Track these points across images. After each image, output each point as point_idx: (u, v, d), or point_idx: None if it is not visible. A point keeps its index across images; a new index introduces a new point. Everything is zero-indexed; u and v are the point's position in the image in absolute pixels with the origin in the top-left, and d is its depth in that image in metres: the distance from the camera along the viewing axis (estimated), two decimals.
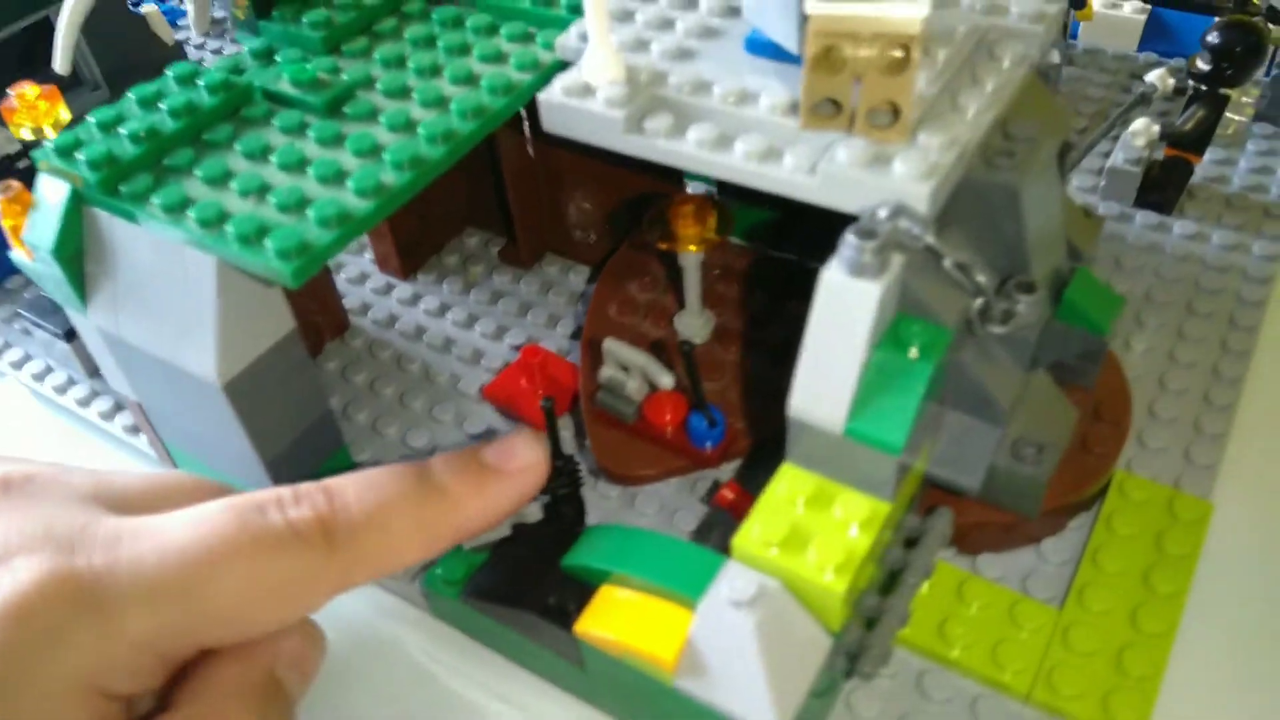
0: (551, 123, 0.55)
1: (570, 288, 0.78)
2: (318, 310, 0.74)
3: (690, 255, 0.62)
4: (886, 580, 0.52)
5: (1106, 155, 0.79)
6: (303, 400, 0.59)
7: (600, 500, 0.63)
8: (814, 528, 0.46)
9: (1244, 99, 0.74)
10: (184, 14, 1.13)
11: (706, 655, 0.45)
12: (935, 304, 0.47)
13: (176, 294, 0.53)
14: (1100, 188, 0.79)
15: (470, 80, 0.58)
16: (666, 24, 0.58)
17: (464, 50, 0.61)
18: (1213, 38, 0.70)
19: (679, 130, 0.52)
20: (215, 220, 0.50)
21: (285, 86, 0.58)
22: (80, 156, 0.53)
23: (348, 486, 0.45)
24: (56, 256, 0.55)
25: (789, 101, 0.50)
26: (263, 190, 0.51)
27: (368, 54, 0.62)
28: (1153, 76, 0.74)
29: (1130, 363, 0.67)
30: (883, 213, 0.45)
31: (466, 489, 0.48)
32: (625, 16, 0.59)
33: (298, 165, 0.53)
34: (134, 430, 0.70)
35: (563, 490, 0.55)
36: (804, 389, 0.47)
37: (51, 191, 0.55)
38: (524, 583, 0.52)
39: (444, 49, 0.61)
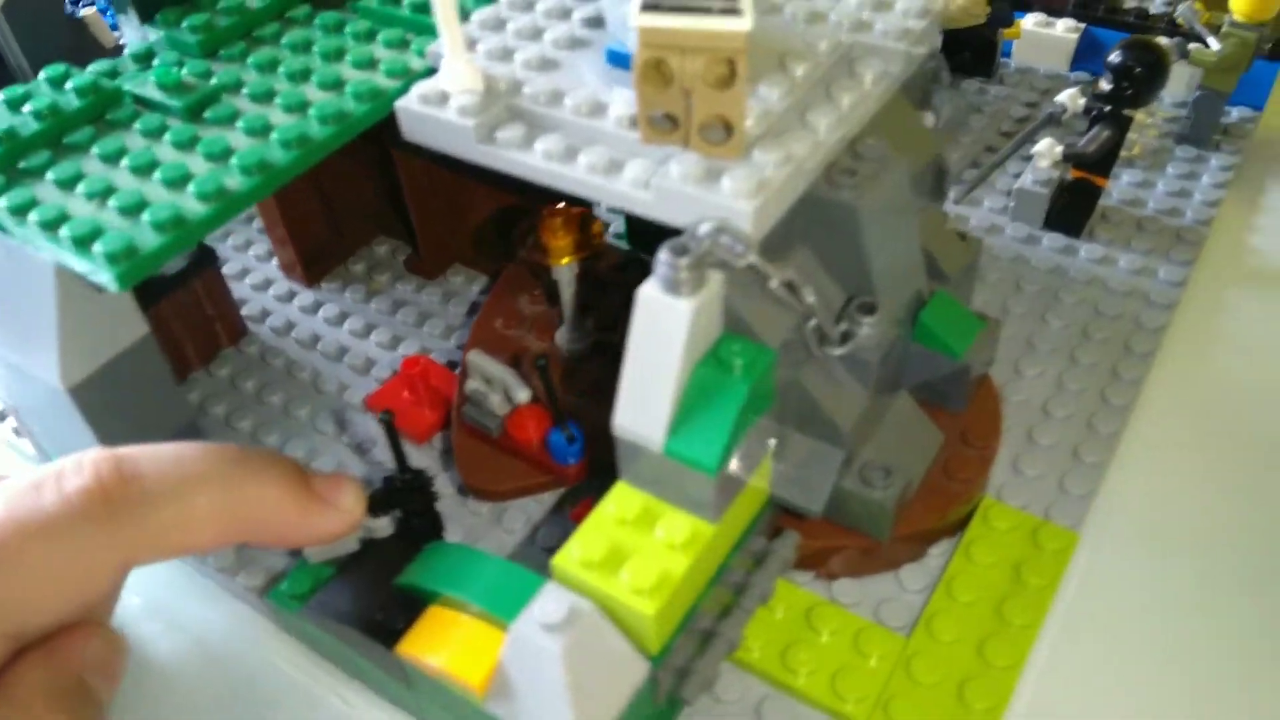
0: (409, 131, 0.55)
1: (472, 298, 0.77)
2: (215, 316, 0.74)
3: (562, 268, 0.61)
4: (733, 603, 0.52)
5: (1018, 175, 0.78)
6: (162, 408, 0.59)
7: (469, 516, 0.62)
8: (633, 549, 0.45)
9: (1149, 120, 0.73)
10: None
11: (515, 679, 0.44)
12: (761, 323, 0.46)
13: (23, 297, 0.53)
14: (1010, 209, 0.78)
15: (336, 86, 0.58)
16: (535, 34, 0.58)
17: (338, 55, 0.60)
18: (1114, 58, 0.69)
19: (529, 141, 0.51)
20: (54, 222, 0.49)
21: (150, 90, 0.58)
22: None
23: (144, 456, 0.42)
24: None
25: (635, 114, 0.49)
26: (106, 193, 0.51)
27: (243, 58, 0.61)
28: (1063, 96, 0.73)
29: (1018, 387, 0.66)
30: (703, 229, 0.44)
31: (283, 495, 0.46)
32: (497, 25, 0.59)
33: (147, 169, 0.52)
34: (20, 433, 0.70)
35: (412, 506, 0.54)
36: (626, 407, 0.46)
37: None
38: (361, 601, 0.51)
39: (319, 53, 0.61)
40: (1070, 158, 0.71)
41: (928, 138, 0.57)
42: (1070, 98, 0.73)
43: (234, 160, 0.53)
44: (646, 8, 0.44)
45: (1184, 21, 0.80)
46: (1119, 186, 0.80)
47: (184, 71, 0.59)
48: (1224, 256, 0.75)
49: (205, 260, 0.72)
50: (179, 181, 0.51)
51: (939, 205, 0.61)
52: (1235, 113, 0.87)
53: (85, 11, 1.00)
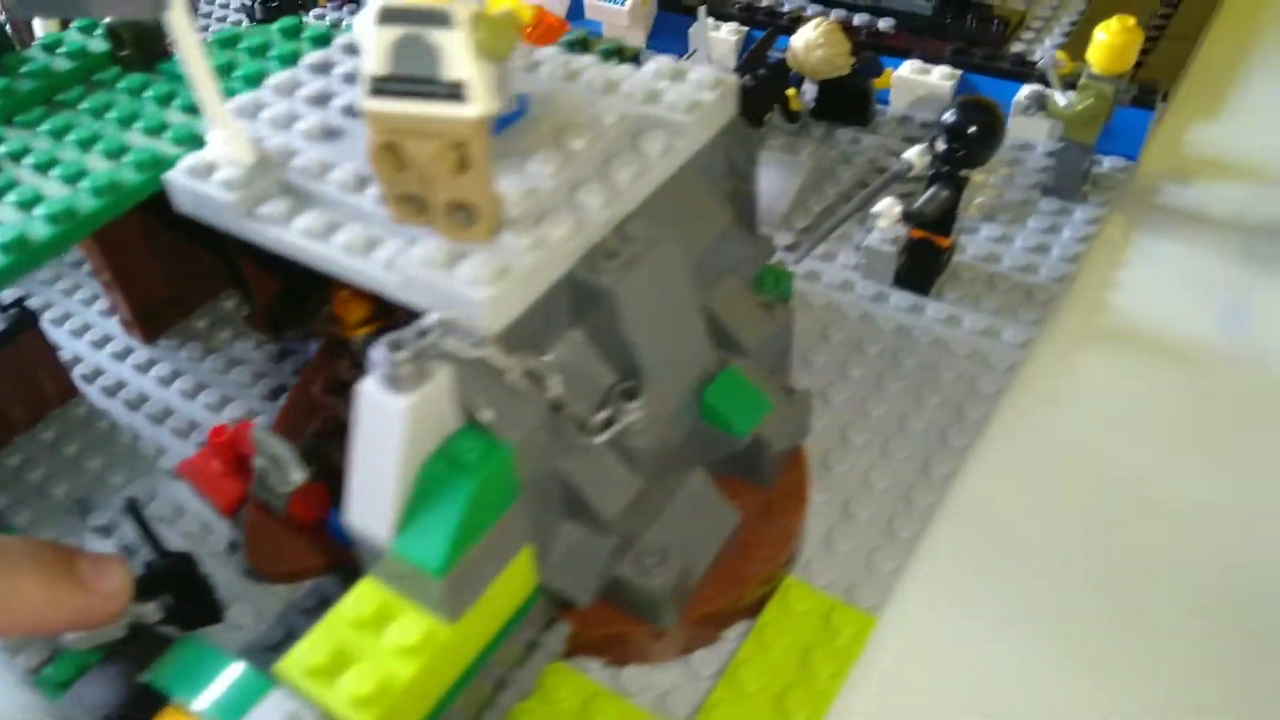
0: (179, 203, 0.53)
1: (310, 356, 0.75)
2: (42, 377, 0.72)
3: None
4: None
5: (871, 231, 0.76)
6: None
7: (268, 597, 0.60)
8: (362, 651, 0.43)
9: (990, 178, 0.71)
10: None
11: None
12: (501, 415, 0.44)
13: None
14: (860, 265, 0.76)
15: (120, 154, 0.56)
16: (324, 100, 0.56)
17: (131, 121, 0.59)
18: (947, 118, 0.67)
19: (289, 217, 0.49)
20: None
21: None
22: None
23: None
24: None
25: None
26: None
27: (38, 123, 0.60)
28: (909, 154, 0.72)
29: (844, 455, 0.64)
30: (427, 322, 0.43)
31: (38, 584, 0.45)
32: (290, 89, 0.57)
33: None
34: None
35: (179, 591, 0.52)
36: (355, 503, 0.44)
37: None
38: (110, 694, 0.49)
39: (115, 119, 0.59)
40: (909, 218, 0.70)
41: (710, 216, 0.55)
42: (916, 155, 0.72)
43: None
44: (375, 91, 0.43)
45: (1042, 70, 0.78)
46: (976, 241, 0.79)
47: None
48: (1077, 316, 0.74)
49: (26, 322, 0.70)
50: None
51: (745, 273, 0.60)
52: (1107, 163, 0.85)
53: None
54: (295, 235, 0.49)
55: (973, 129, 0.67)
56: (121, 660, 0.51)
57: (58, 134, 0.58)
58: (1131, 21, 0.74)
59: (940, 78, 0.91)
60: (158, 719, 0.45)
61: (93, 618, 0.48)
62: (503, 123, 0.52)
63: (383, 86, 0.42)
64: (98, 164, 0.55)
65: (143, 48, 0.62)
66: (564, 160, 0.50)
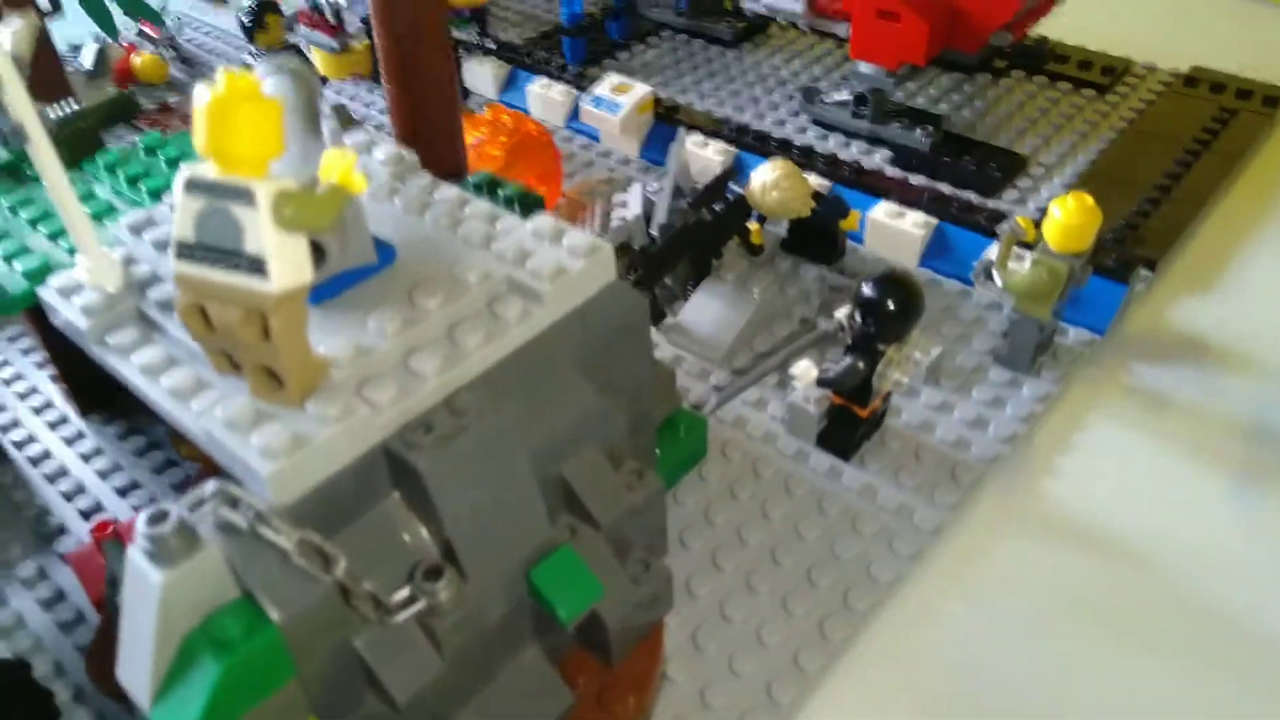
0: (53, 318, 0.54)
1: None
2: None
3: None
4: None
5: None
6: None
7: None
8: None
9: (917, 354, 0.68)
10: None
11: None
12: (277, 591, 0.43)
13: None
14: (785, 420, 0.74)
15: (15, 257, 0.58)
16: None
17: (38, 221, 0.60)
18: (864, 291, 0.65)
19: (132, 350, 0.50)
20: None
21: None
22: None
23: None
24: None
25: None
26: None
27: None
28: (841, 313, 0.70)
29: (717, 632, 0.62)
30: (208, 490, 0.42)
31: None
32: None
33: None
34: None
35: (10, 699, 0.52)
36: (123, 661, 0.44)
37: None
38: None
39: (27, 219, 0.61)
40: (823, 384, 0.67)
41: (575, 384, 0.53)
42: (847, 315, 0.69)
43: None
44: (180, 254, 0.43)
45: (1000, 237, 0.75)
46: (914, 406, 0.75)
47: None
48: (997, 504, 0.70)
49: None
50: None
51: (617, 441, 0.58)
52: (1073, 333, 0.81)
53: None
54: (131, 370, 0.49)
55: (888, 306, 0.64)
56: None
57: None
58: (1090, 202, 0.70)
59: (913, 225, 0.88)
60: None
61: None
62: (362, 273, 0.52)
63: (189, 253, 0.42)
64: None
65: (72, 146, 0.63)
66: (409, 320, 0.49)
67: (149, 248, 0.55)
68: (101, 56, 1.11)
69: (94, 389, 0.79)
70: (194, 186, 0.41)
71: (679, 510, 0.69)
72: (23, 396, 0.81)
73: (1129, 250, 0.86)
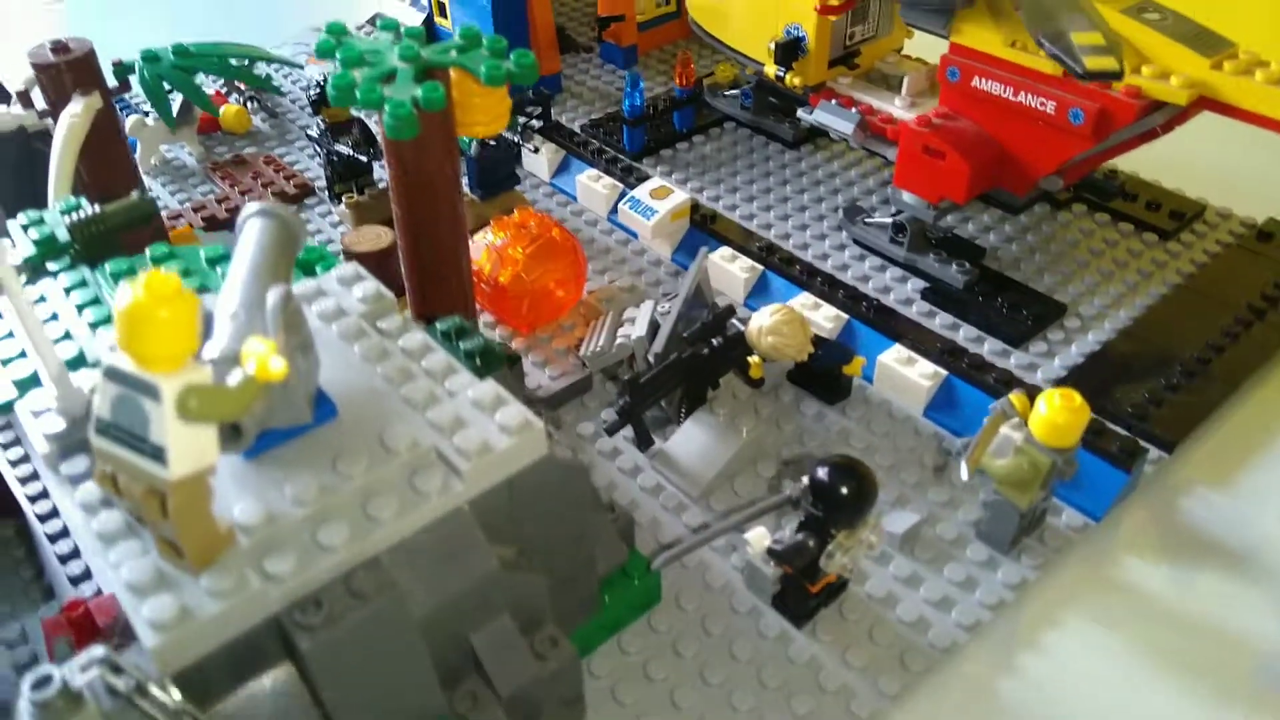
0: (21, 435, 0.59)
1: None
2: None
3: None
4: None
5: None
6: None
7: None
8: None
9: (871, 538, 0.67)
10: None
11: None
12: None
13: None
14: (743, 573, 0.73)
15: (8, 363, 0.62)
16: None
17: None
18: (818, 473, 0.64)
19: (79, 481, 0.53)
20: None
21: None
22: None
23: None
24: None
25: None
26: None
27: None
28: (799, 486, 0.69)
29: None
30: (94, 654, 0.45)
31: None
32: None
33: None
34: None
35: None
36: None
37: None
38: None
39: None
40: (772, 555, 0.67)
41: (489, 559, 0.55)
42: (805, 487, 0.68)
43: None
44: (97, 429, 0.45)
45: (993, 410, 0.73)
46: (882, 575, 0.74)
47: None
48: (945, 696, 0.68)
49: None
50: None
51: (534, 611, 0.59)
52: (1065, 515, 0.78)
53: None
54: (70, 504, 0.52)
55: (840, 492, 0.63)
56: None
57: None
58: (1078, 401, 0.68)
59: (921, 375, 0.86)
60: None
61: None
62: (296, 430, 0.54)
63: (104, 429, 0.45)
64: None
65: (90, 247, 0.68)
66: (326, 488, 0.51)
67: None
68: (186, 107, 1.18)
69: None
70: (111, 374, 0.44)
71: (622, 660, 0.69)
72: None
73: (1148, 428, 0.82)
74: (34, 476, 0.85)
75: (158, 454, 0.44)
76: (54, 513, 0.81)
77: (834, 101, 1.03)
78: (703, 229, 1.05)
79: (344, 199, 1.10)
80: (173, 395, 0.43)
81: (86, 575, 0.75)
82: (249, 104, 1.28)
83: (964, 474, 0.71)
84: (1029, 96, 0.87)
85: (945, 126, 0.93)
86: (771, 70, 1.06)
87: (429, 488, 0.52)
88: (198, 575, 0.47)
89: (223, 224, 1.09)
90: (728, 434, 0.82)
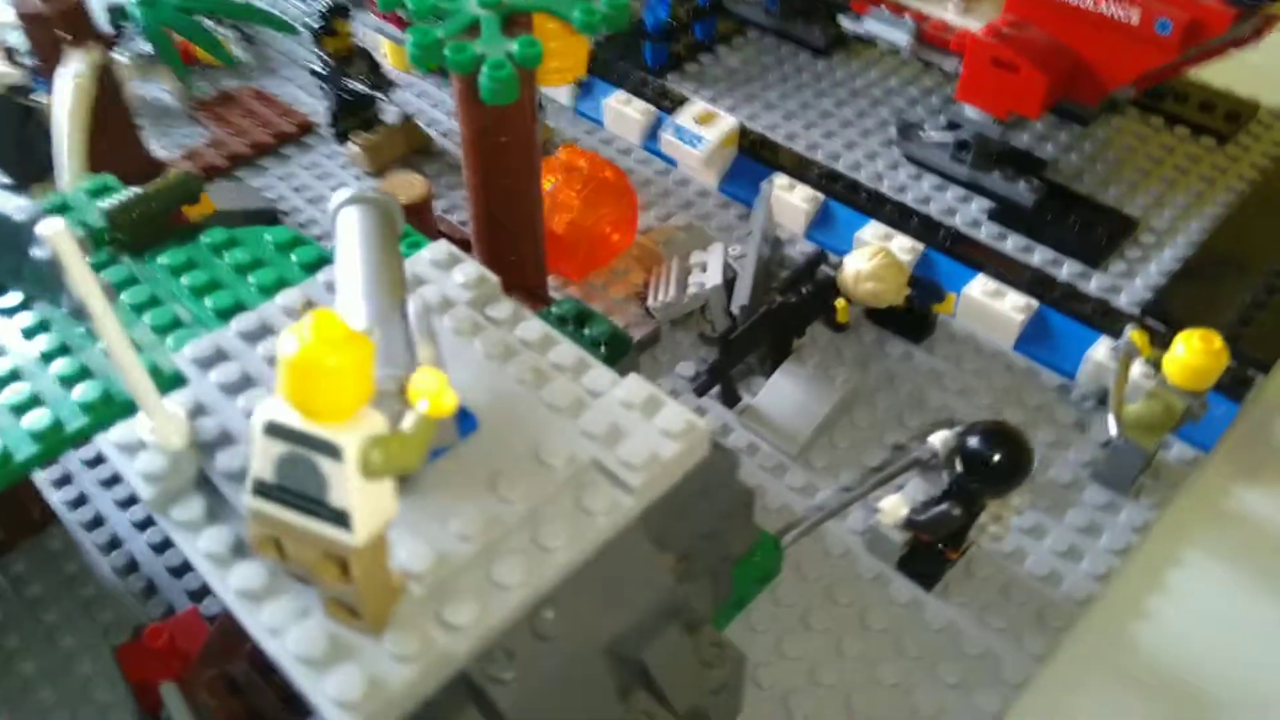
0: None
1: None
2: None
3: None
4: None
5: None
6: None
7: None
8: None
9: (1013, 503, 0.64)
10: None
11: None
12: None
13: None
14: (865, 536, 0.70)
15: (74, 381, 0.54)
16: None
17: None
18: (970, 442, 0.60)
19: (198, 529, 0.47)
20: None
21: None
22: None
23: None
24: None
25: None
26: None
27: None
28: (936, 439, 0.65)
29: None
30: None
31: None
32: (254, 338, 0.54)
33: None
34: None
35: None
36: None
37: None
38: None
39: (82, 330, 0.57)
40: (913, 526, 0.64)
41: (659, 572, 0.50)
42: (943, 442, 0.65)
43: None
44: (257, 491, 0.39)
45: (1115, 354, 0.70)
46: (1009, 537, 0.71)
47: None
48: (1086, 651, 0.66)
49: None
50: None
51: (701, 612, 0.55)
52: (1176, 448, 0.76)
53: None
54: (197, 555, 0.46)
55: (994, 462, 0.60)
56: None
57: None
58: (1217, 344, 0.65)
59: (1012, 308, 0.83)
60: None
61: None
62: (439, 449, 0.48)
63: (266, 491, 0.39)
64: (48, 390, 0.53)
65: (134, 232, 0.60)
66: (491, 518, 0.46)
67: (215, 389, 0.52)
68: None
69: None
70: (276, 431, 0.38)
71: (754, 638, 0.66)
72: (106, 484, 0.77)
73: (1243, 348, 0.80)
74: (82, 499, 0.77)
75: (340, 518, 0.38)
76: (116, 542, 0.74)
77: (882, 8, 0.96)
78: (753, 156, 0.98)
79: (353, 138, 1.00)
80: (356, 453, 0.37)
81: (150, 594, 0.69)
82: (228, 33, 1.16)
83: (1113, 429, 0.68)
84: (1111, 5, 0.82)
85: (1017, 36, 0.87)
86: None
87: (597, 507, 0.47)
88: (378, 636, 0.42)
89: (223, 172, 0.99)
90: (822, 385, 0.78)
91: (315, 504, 0.38)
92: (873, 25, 0.96)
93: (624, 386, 0.51)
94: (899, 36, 0.94)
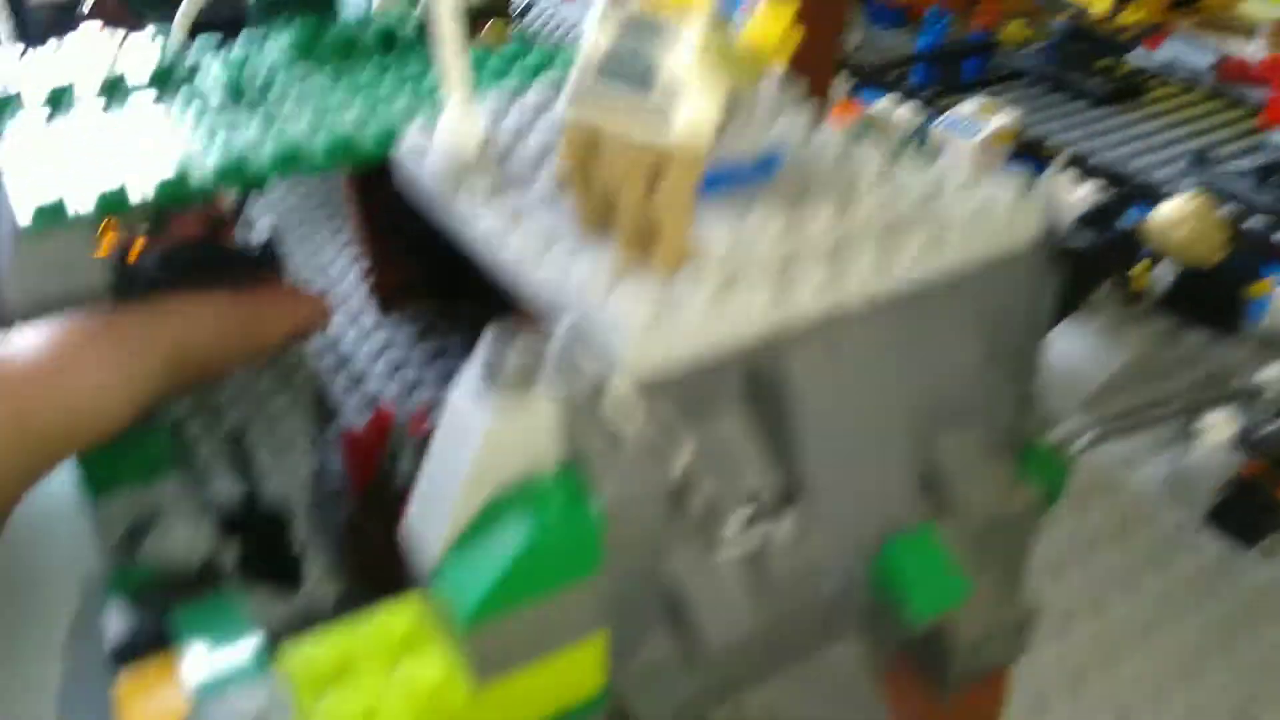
0: (398, 181, 0.51)
1: None
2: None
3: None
4: None
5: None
6: None
7: None
8: (366, 672, 0.36)
9: None
10: None
11: None
12: (608, 470, 0.35)
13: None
14: (1167, 482, 0.60)
15: (368, 113, 0.55)
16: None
17: (407, 83, 0.58)
18: None
19: (479, 214, 0.45)
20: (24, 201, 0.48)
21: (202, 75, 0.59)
22: None
23: None
24: None
25: None
26: None
27: (318, 74, 0.61)
28: (1269, 372, 0.56)
29: (1062, 706, 0.49)
30: (560, 333, 0.35)
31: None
32: (531, 104, 0.53)
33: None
34: None
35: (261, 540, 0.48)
36: (417, 509, 0.37)
37: None
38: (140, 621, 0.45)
39: (388, 84, 0.59)
40: (1248, 444, 0.54)
41: (964, 350, 0.43)
42: (1277, 376, 0.55)
43: (219, 139, 0.50)
44: (577, 94, 0.37)
45: None
46: None
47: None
48: None
49: (269, 263, 0.71)
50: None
51: (995, 436, 0.47)
52: None
53: None
54: (477, 233, 0.44)
55: None
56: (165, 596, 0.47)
57: (325, 88, 0.58)
58: None
59: None
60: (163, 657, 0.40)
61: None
62: (744, 177, 0.45)
63: (587, 92, 0.36)
64: (345, 118, 0.54)
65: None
66: (790, 228, 0.41)
67: (507, 134, 0.51)
68: None
69: (399, 285, 0.76)
70: (613, 21, 0.36)
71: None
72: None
73: None
74: None
75: (662, 112, 0.35)
76: (335, 343, 0.73)
77: (1180, 36, 0.92)
78: (1030, 152, 0.93)
79: None
80: (698, 40, 0.34)
81: (375, 402, 0.67)
82: None
83: None
84: None
85: None
86: (1104, 6, 0.96)
87: (907, 247, 0.42)
88: (667, 276, 0.38)
89: None
90: (1112, 345, 0.70)
91: (640, 96, 0.35)
92: (1169, 54, 0.92)
93: (951, 153, 0.47)
94: (1200, 60, 0.89)
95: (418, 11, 0.66)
